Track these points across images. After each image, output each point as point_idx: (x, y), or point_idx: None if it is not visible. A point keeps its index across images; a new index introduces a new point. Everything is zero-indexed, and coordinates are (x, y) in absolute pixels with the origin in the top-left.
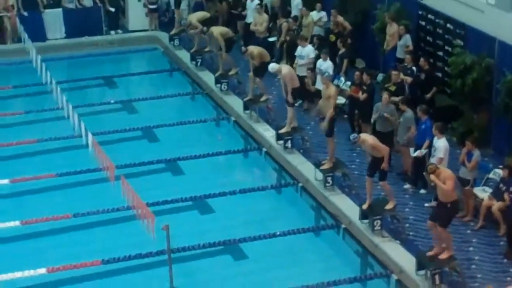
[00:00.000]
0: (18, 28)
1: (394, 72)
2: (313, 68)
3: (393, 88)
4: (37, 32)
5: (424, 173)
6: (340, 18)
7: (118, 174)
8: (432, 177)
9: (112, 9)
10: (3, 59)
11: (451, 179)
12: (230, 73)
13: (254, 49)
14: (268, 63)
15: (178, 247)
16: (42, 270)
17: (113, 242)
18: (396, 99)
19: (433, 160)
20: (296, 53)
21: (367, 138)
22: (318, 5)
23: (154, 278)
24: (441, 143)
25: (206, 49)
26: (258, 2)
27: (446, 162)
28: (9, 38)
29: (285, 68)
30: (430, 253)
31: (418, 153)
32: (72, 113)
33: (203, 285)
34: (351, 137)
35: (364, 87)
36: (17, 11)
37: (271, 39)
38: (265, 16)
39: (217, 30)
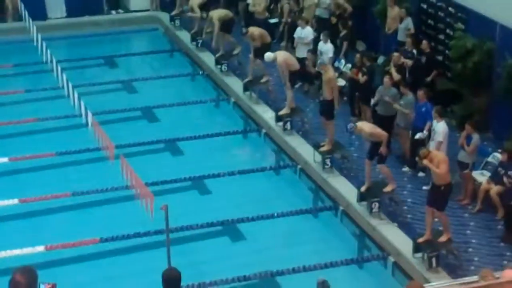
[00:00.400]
0: (19, 6)
1: (395, 54)
2: (313, 50)
3: (392, 70)
4: (38, 11)
5: (416, 159)
6: (340, 0)
7: (118, 154)
8: (425, 161)
9: None
10: (3, 38)
11: (444, 163)
12: (234, 52)
13: (255, 30)
14: (269, 44)
15: (176, 226)
16: (41, 248)
17: (112, 221)
18: (398, 78)
19: (432, 143)
20: (295, 35)
21: (364, 126)
22: None
23: (152, 258)
24: (440, 127)
25: (208, 30)
26: None
27: (446, 145)
28: (10, 16)
29: (280, 56)
30: (420, 240)
31: (420, 135)
32: (72, 92)
33: (201, 265)
34: (348, 127)
35: (364, 69)
36: None
37: (272, 21)
38: None
39: (216, 14)
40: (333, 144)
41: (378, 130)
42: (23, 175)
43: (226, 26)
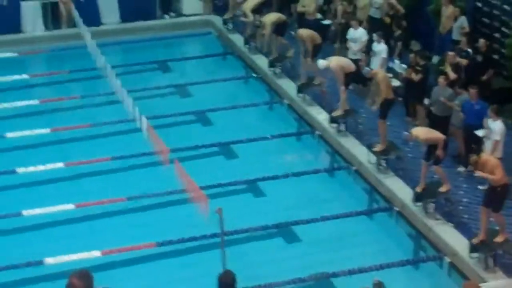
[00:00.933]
0: (73, 13)
1: (450, 53)
2: (367, 51)
3: (449, 68)
4: (92, 17)
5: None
6: (392, 1)
7: (172, 158)
8: (479, 173)
9: None
10: (58, 44)
11: (498, 167)
12: (287, 54)
13: (303, 32)
14: (320, 45)
15: (231, 229)
16: (97, 253)
17: (167, 225)
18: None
19: (488, 142)
20: (348, 36)
21: (419, 133)
22: None
23: (207, 260)
24: (497, 125)
25: (261, 35)
26: None
27: (502, 144)
28: (64, 23)
29: (333, 62)
30: (475, 241)
31: (482, 132)
32: (127, 97)
33: (255, 267)
34: (403, 136)
35: (418, 68)
36: None
37: (325, 22)
38: None
39: (269, 19)
40: (387, 145)
41: (433, 135)
42: (79, 180)
43: (279, 29)
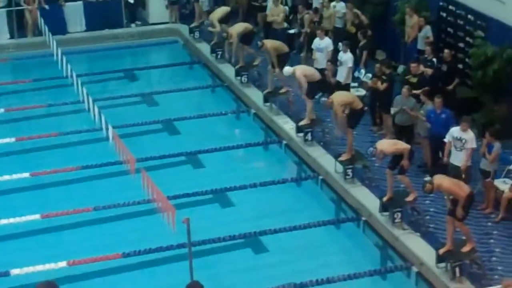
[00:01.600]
0: (39, 21)
1: (413, 65)
2: (333, 60)
3: (414, 80)
4: (58, 25)
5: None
6: (357, 11)
7: (139, 167)
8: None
9: (131, 1)
10: (24, 53)
11: (453, 185)
12: (254, 63)
13: (268, 43)
14: (287, 54)
15: (198, 240)
16: (63, 263)
17: (134, 235)
18: (418, 92)
19: (463, 152)
20: (313, 46)
21: (384, 147)
22: None
23: (174, 271)
24: (469, 135)
25: (228, 46)
26: None
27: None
28: (30, 31)
29: (298, 71)
30: (442, 250)
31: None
32: (93, 106)
33: (223, 277)
34: (368, 151)
35: (384, 77)
36: (38, 4)
37: (291, 31)
38: (281, 8)
39: (235, 30)
40: (353, 154)
41: (398, 146)
42: (45, 190)
43: (246, 38)
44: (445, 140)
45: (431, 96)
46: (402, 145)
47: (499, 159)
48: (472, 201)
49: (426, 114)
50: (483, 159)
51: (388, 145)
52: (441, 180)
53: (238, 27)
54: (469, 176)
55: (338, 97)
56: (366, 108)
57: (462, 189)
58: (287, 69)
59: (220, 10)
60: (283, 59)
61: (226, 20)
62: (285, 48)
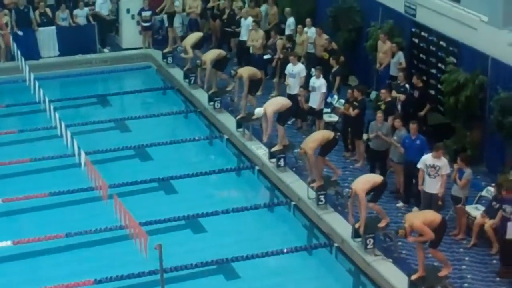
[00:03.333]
0: (11, 46)
1: (382, 91)
2: (305, 86)
3: (383, 107)
4: (31, 50)
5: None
6: (325, 36)
7: (111, 193)
8: (411, 239)
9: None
10: None
11: (425, 225)
12: (227, 89)
13: (243, 71)
14: (261, 80)
15: (170, 266)
16: None
17: (106, 262)
18: (389, 119)
19: (437, 179)
20: (286, 71)
21: (358, 186)
22: (308, 21)
23: None
24: (443, 162)
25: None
26: (252, 19)
27: None
28: (2, 56)
29: (269, 109)
30: (414, 277)
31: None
32: (65, 131)
33: None
34: (344, 192)
35: (355, 103)
36: (10, 29)
37: (265, 57)
38: (261, 33)
39: (209, 57)
40: (325, 180)
41: (373, 182)
42: (17, 216)
43: (219, 64)
44: (418, 166)
45: (403, 121)
46: (376, 179)
47: (470, 185)
48: (445, 228)
49: (400, 140)
50: (455, 185)
51: (363, 185)
52: (412, 220)
53: (212, 54)
54: (442, 202)
55: (309, 144)
56: (338, 134)
57: (433, 222)
58: (258, 111)
59: (193, 36)
60: (256, 85)
61: (199, 46)
62: (258, 74)
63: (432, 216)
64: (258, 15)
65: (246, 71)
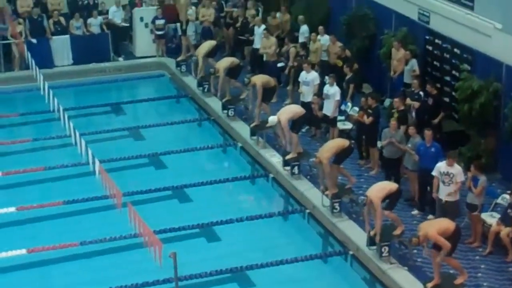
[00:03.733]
0: (26, 55)
1: (395, 100)
2: (319, 94)
3: (396, 116)
4: (45, 59)
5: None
6: (339, 44)
7: (125, 201)
8: (427, 252)
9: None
10: (11, 86)
11: (439, 231)
12: (241, 96)
13: (256, 79)
14: (274, 87)
15: (185, 274)
16: None
17: (120, 270)
18: (402, 127)
19: (451, 186)
20: (300, 79)
21: (373, 194)
22: (321, 28)
23: None
24: (456, 169)
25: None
26: (265, 27)
27: None
28: (17, 65)
29: (283, 117)
30: (429, 285)
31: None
32: (80, 140)
33: None
34: (359, 200)
35: (370, 111)
36: (25, 38)
37: (279, 65)
38: (273, 40)
39: (222, 65)
40: (340, 188)
41: (388, 190)
42: (31, 225)
43: (233, 72)
44: (433, 174)
45: (417, 129)
46: (391, 187)
47: (485, 193)
48: (459, 236)
49: (414, 147)
50: (470, 193)
51: (377, 192)
52: (427, 229)
53: (225, 62)
54: (457, 210)
55: (324, 153)
56: (352, 142)
57: (447, 230)
58: (272, 119)
59: (206, 45)
60: (269, 93)
61: (213, 54)
62: (272, 82)
63: (447, 224)
64: (278, 26)
65: (259, 79)
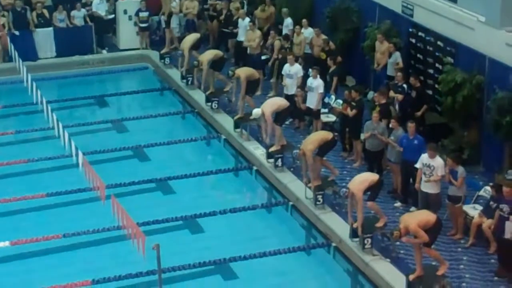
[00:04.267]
0: (9, 47)
1: (375, 95)
2: (302, 86)
3: (377, 109)
4: (28, 51)
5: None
6: (323, 37)
7: (109, 194)
8: (405, 239)
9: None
10: None
11: (418, 227)
12: (225, 89)
13: (240, 72)
14: (258, 80)
15: (168, 266)
16: None
17: (104, 262)
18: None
19: (432, 179)
20: (283, 72)
21: (355, 187)
22: (304, 21)
23: None
24: (438, 162)
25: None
26: (249, 19)
27: None
28: (0, 57)
29: (267, 110)
30: (412, 276)
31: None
32: (63, 132)
33: None
34: (341, 192)
35: (353, 104)
36: (8, 30)
37: (263, 57)
38: (258, 33)
39: (206, 57)
40: (323, 180)
41: (369, 181)
42: (14, 217)
43: (216, 65)
44: (417, 166)
45: (400, 121)
46: (372, 178)
47: (468, 185)
48: (440, 228)
49: (397, 140)
50: (451, 185)
51: (359, 184)
52: (407, 222)
53: (209, 54)
54: (439, 202)
55: (308, 145)
56: (336, 134)
57: (428, 223)
58: (256, 111)
59: (191, 38)
60: (253, 86)
61: (197, 46)
62: (256, 75)
63: (427, 216)
64: (268, 19)
65: (243, 72)
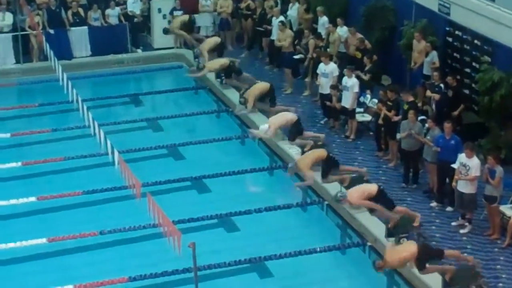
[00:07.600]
0: (44, 46)
1: (420, 88)
2: (337, 86)
3: (405, 107)
4: (63, 50)
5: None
6: (359, 36)
7: (144, 192)
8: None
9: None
10: (29, 77)
11: (361, 197)
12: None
13: (249, 97)
14: (270, 89)
15: (204, 264)
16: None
17: (140, 260)
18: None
19: (466, 178)
20: (318, 71)
21: (353, 199)
22: (339, 20)
23: None
24: (474, 162)
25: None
26: (282, 18)
27: None
28: (35, 56)
29: (273, 126)
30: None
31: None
32: (99, 131)
33: None
34: (338, 196)
35: (389, 103)
36: (43, 29)
37: (296, 57)
38: (289, 32)
39: (214, 65)
40: (356, 180)
41: (366, 194)
42: (51, 214)
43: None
44: (454, 166)
45: (437, 121)
46: (370, 190)
47: (504, 185)
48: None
49: (433, 140)
50: (487, 185)
51: (357, 195)
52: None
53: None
54: (475, 202)
55: (303, 163)
56: (371, 133)
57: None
58: (263, 127)
59: (211, 41)
60: (270, 96)
61: (220, 52)
62: (265, 88)
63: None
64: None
65: (251, 96)
